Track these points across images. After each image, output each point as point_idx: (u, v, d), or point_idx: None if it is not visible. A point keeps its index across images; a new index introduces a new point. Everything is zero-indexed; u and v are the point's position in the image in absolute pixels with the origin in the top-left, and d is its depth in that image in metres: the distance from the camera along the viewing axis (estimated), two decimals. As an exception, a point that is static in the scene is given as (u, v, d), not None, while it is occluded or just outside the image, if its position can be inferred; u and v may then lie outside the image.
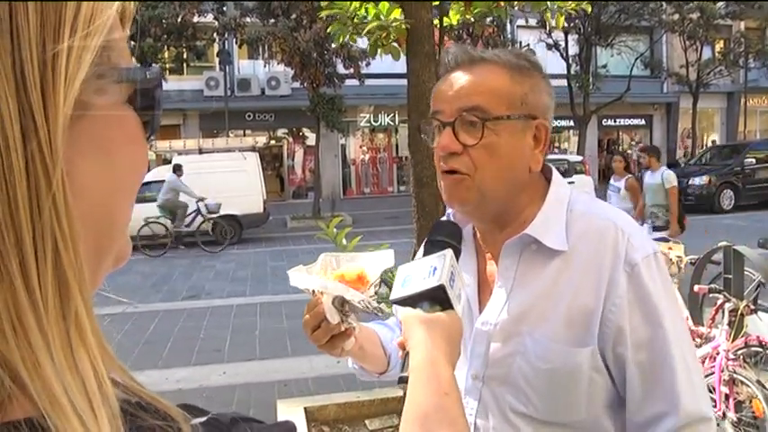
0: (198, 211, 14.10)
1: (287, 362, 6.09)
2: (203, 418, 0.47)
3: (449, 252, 0.99)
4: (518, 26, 23.84)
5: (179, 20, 18.31)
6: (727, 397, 3.77)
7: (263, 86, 23.13)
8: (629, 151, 29.08)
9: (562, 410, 1.13)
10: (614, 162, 8.53)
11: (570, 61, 22.96)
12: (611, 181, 8.42)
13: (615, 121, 27.91)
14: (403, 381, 0.89)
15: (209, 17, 18.85)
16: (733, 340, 3.95)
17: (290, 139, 25.21)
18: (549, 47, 22.40)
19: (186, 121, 23.02)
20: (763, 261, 4.71)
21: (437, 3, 3.83)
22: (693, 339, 4.07)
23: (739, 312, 4.03)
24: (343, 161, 25.11)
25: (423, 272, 0.98)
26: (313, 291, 1.15)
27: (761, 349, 3.97)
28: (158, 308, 8.51)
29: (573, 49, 23.27)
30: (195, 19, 18.74)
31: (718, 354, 3.91)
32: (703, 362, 3.94)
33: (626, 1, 21.35)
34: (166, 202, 13.67)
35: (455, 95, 1.15)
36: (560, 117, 23.55)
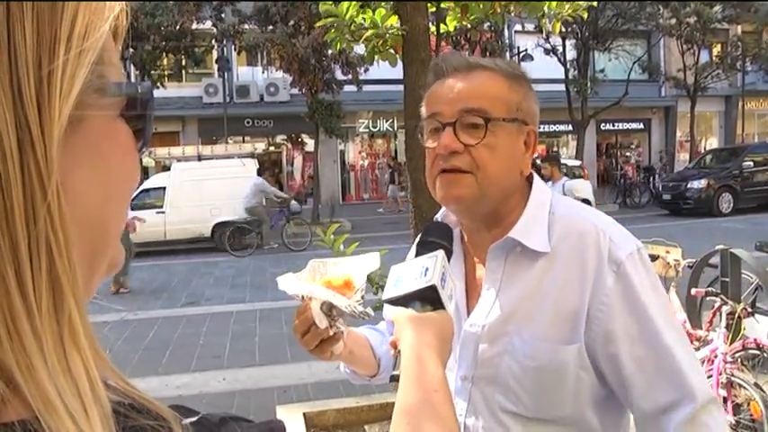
0: (282, 212, 14.55)
1: (286, 368, 6.09)
2: (194, 418, 0.48)
3: (440, 253, 1.01)
4: (515, 31, 23.92)
5: (178, 27, 18.35)
6: (725, 400, 3.78)
7: (262, 93, 23.18)
8: (627, 153, 29.15)
9: (550, 407, 1.16)
10: (543, 169, 7.83)
11: (568, 66, 23.00)
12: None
13: (613, 126, 27.95)
14: (395, 379, 0.90)
15: (208, 24, 18.91)
16: (731, 343, 3.96)
17: (289, 145, 25.24)
18: (546, 52, 22.45)
19: (185, 128, 23.06)
20: (760, 264, 4.72)
21: (433, 9, 3.85)
22: (691, 342, 4.07)
23: (737, 315, 4.03)
24: (342, 167, 25.14)
25: (414, 272, 0.99)
26: (302, 296, 1.17)
27: (758, 352, 3.97)
28: (158, 314, 8.51)
29: (571, 54, 23.32)
30: (194, 26, 18.80)
31: (715, 357, 3.92)
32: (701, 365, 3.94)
33: (624, 1, 21.35)
34: (255, 204, 14.12)
35: (456, 98, 1.17)
36: (559, 121, 23.59)
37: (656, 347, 1.11)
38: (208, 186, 14.36)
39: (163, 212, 14.14)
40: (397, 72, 4.39)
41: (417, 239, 1.09)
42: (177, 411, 0.46)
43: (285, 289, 1.18)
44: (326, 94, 18.88)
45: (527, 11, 4.35)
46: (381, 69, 5.03)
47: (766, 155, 18.61)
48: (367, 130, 25.13)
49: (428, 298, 0.96)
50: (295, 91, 20.36)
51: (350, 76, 18.47)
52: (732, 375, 3.79)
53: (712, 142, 29.13)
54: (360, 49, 4.09)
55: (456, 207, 1.23)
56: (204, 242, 14.66)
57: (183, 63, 20.91)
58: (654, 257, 4.71)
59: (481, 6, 3.99)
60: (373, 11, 3.50)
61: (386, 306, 1.46)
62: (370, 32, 3.27)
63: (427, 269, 0.98)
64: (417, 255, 1.05)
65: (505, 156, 1.18)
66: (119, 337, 7.12)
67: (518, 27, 22.68)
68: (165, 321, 8.09)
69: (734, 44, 25.32)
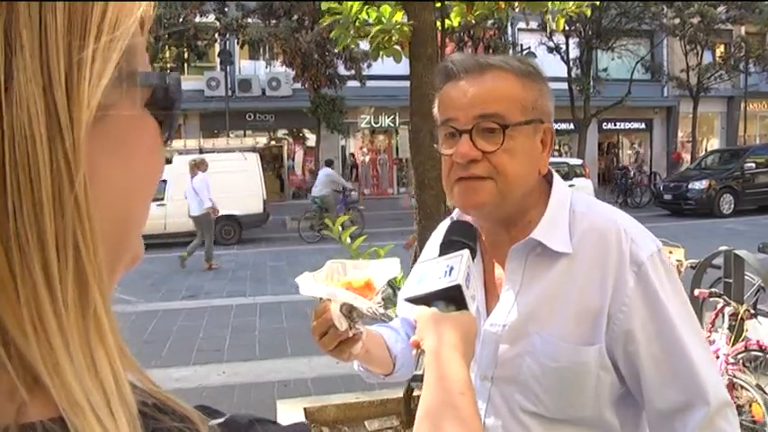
0: (344, 200, 15.28)
1: (286, 362, 6.10)
2: (221, 420, 0.47)
3: (465, 252, 1.00)
4: (519, 29, 23.86)
5: (181, 20, 18.32)
6: (726, 401, 3.77)
7: (264, 87, 23.14)
8: (628, 151, 29.12)
9: (571, 408, 1.16)
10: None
11: (571, 64, 22.98)
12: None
13: (615, 125, 27.93)
14: (417, 379, 0.90)
15: (211, 17, 18.89)
16: (733, 344, 3.96)
17: (291, 140, 25.22)
18: (549, 50, 22.43)
19: (187, 121, 23.03)
20: (763, 266, 4.71)
21: (439, 5, 3.84)
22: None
23: (739, 317, 4.03)
24: (344, 162, 25.13)
25: (439, 271, 0.98)
26: (320, 297, 1.16)
27: (761, 354, 3.97)
28: (158, 307, 8.51)
29: (574, 53, 23.29)
30: (197, 19, 18.77)
31: (717, 358, 3.92)
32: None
33: (626, 0, 21.32)
34: (326, 193, 14.88)
35: (470, 103, 1.15)
36: (560, 120, 23.57)
37: (674, 348, 1.11)
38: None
39: (164, 205, 14.11)
40: (400, 68, 4.37)
41: (442, 238, 1.08)
42: (203, 412, 0.45)
43: (305, 291, 1.16)
44: (329, 90, 18.86)
45: (530, 7, 4.34)
46: (384, 65, 5.03)
47: (768, 156, 18.62)
48: (369, 126, 25.11)
49: (452, 298, 0.96)
50: (297, 86, 20.36)
51: (353, 72, 18.45)
52: (734, 377, 3.79)
53: (714, 143, 29.11)
54: (364, 44, 4.08)
55: (476, 213, 1.21)
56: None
57: (186, 56, 20.89)
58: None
59: (486, 3, 3.98)
60: (378, 7, 3.49)
61: (402, 303, 1.45)
62: (375, 29, 3.26)
63: (452, 268, 0.97)
64: (441, 254, 1.03)
65: (524, 158, 1.16)
66: (118, 329, 7.11)
67: (521, 25, 22.59)
68: (164, 314, 8.09)
69: (737, 45, 25.29)
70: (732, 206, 17.78)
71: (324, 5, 3.34)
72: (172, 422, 0.42)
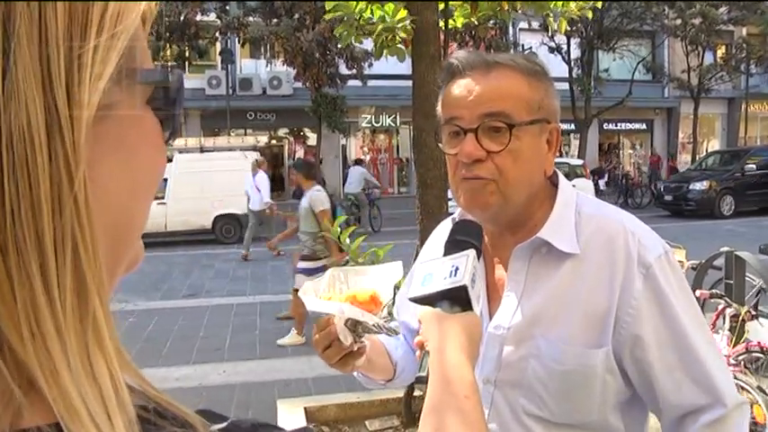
0: (369, 198, 15.85)
1: (287, 361, 6.10)
2: (223, 425, 0.46)
3: (471, 252, 0.98)
4: (520, 29, 23.86)
5: (182, 18, 18.31)
6: (727, 402, 3.77)
7: (265, 86, 23.14)
8: (630, 151, 29.09)
9: (576, 412, 1.14)
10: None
11: (572, 65, 22.97)
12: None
13: (616, 126, 27.93)
14: (421, 381, 0.88)
15: (212, 16, 18.88)
16: (734, 346, 3.96)
17: (291, 139, 25.21)
18: (551, 50, 22.42)
19: (188, 120, 23.02)
20: (764, 267, 4.71)
21: (442, 5, 3.84)
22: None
23: (740, 318, 4.03)
24: (344, 162, 25.12)
25: (444, 271, 0.97)
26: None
27: (762, 355, 3.97)
28: (158, 306, 8.51)
29: (575, 53, 23.29)
30: (198, 17, 18.76)
31: (718, 359, 3.91)
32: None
33: (628, 0, 21.29)
34: (360, 191, 15.61)
35: (476, 101, 1.13)
36: (561, 120, 22.92)
37: (686, 351, 1.10)
38: (209, 178, 14.34)
39: (164, 203, 14.10)
40: (401, 67, 4.37)
41: (447, 237, 1.06)
42: (204, 416, 0.44)
43: (312, 308, 1.15)
44: (330, 89, 18.85)
45: (534, 9, 4.33)
46: (385, 64, 5.02)
47: (768, 158, 18.60)
48: (369, 126, 25.10)
49: (457, 298, 0.94)
50: (298, 85, 20.36)
51: (354, 71, 18.44)
52: (735, 378, 3.79)
53: (714, 144, 29.11)
54: (366, 43, 4.07)
55: (481, 215, 1.18)
56: (205, 234, 14.64)
57: (187, 54, 20.86)
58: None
59: (490, 4, 3.98)
60: (382, 5, 3.48)
61: (401, 306, 1.43)
62: (380, 27, 3.25)
63: (457, 268, 0.95)
64: (446, 253, 1.01)
65: (529, 159, 1.14)
66: (118, 328, 7.04)
67: (523, 25, 22.60)
68: (165, 313, 8.09)
69: (739, 46, 25.29)
70: (732, 207, 17.77)
71: (328, 5, 3.34)
72: (172, 427, 0.41)
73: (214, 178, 14.35)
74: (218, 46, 21.67)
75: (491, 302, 1.23)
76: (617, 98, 22.40)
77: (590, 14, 4.36)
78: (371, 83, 20.07)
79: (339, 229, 4.12)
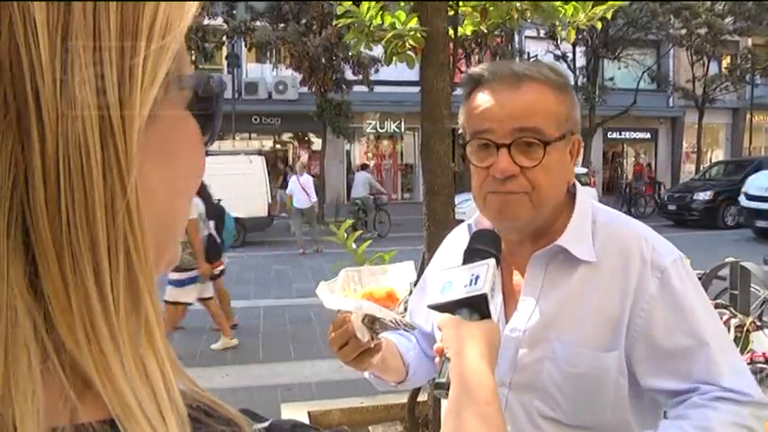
0: (375, 203, 16.27)
1: (290, 366, 6.09)
2: (265, 424, 0.48)
3: (492, 262, 1.00)
4: (526, 37, 23.88)
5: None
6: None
7: (271, 90, 23.18)
8: (634, 157, 29.03)
9: (590, 414, 1.16)
10: None
11: (577, 73, 22.98)
12: None
13: (620, 134, 27.90)
14: (439, 387, 0.89)
15: (219, 20, 18.91)
16: (738, 356, 3.95)
17: (296, 144, 25.23)
18: (556, 58, 22.42)
19: (193, 123, 23.03)
20: (769, 278, 4.71)
21: (452, 13, 3.85)
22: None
23: (745, 328, 4.03)
24: (348, 167, 25.13)
25: (464, 279, 0.99)
26: (338, 309, 1.16)
27: (766, 366, 3.96)
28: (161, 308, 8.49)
29: (580, 61, 23.29)
30: (205, 21, 18.80)
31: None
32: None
33: (633, 0, 21.21)
34: (366, 195, 16.00)
35: (508, 115, 1.14)
36: (566, 128, 23.49)
37: (699, 345, 1.11)
38: (213, 182, 14.32)
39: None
40: (407, 74, 4.38)
41: (467, 246, 1.08)
42: (247, 416, 0.46)
43: (330, 305, 1.15)
44: (335, 94, 18.87)
45: (543, 17, 4.35)
46: (391, 71, 5.03)
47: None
48: (374, 131, 25.12)
49: (477, 306, 0.96)
50: (303, 89, 20.36)
51: (360, 77, 18.46)
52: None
53: (718, 154, 29.04)
54: (374, 50, 4.09)
55: (511, 225, 1.21)
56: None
57: (193, 58, 20.91)
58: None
59: (499, 12, 3.99)
60: (393, 12, 3.50)
61: (414, 310, 1.45)
62: (390, 34, 3.27)
63: (478, 277, 0.98)
64: (465, 262, 1.04)
65: (558, 172, 1.17)
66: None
67: (528, 32, 22.63)
68: (168, 315, 8.09)
69: (744, 56, 25.26)
70: (736, 218, 17.73)
71: (340, 9, 3.35)
72: (220, 426, 0.43)
73: (218, 182, 14.32)
74: (225, 50, 21.73)
75: (507, 306, 1.25)
76: (621, 107, 22.39)
77: (599, 25, 4.37)
78: (377, 89, 20.09)
79: (345, 234, 4.13)
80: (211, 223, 6.70)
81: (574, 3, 3.65)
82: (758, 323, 4.17)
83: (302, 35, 17.14)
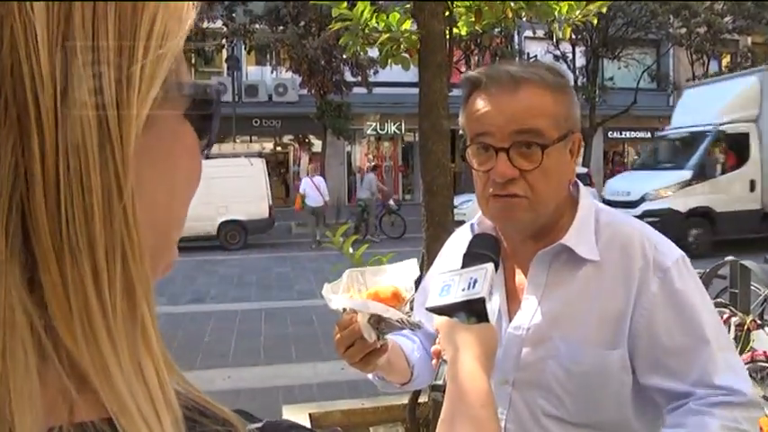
0: (383, 206, 16.50)
1: (291, 367, 6.10)
2: (259, 424, 0.49)
3: (490, 266, 1.01)
4: (525, 37, 23.88)
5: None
6: (732, 411, 3.76)
7: (271, 93, 23.21)
8: (635, 157, 28.98)
9: (593, 412, 1.17)
10: None
11: (577, 73, 22.98)
12: None
13: (621, 134, 27.87)
14: (436, 389, 0.90)
15: (219, 23, 18.95)
16: (739, 355, 3.95)
17: (297, 146, 25.26)
18: (556, 58, 22.41)
19: (193, 126, 23.07)
20: (769, 276, 4.71)
21: (448, 13, 3.85)
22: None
23: (746, 327, 4.03)
24: (349, 169, 25.14)
25: (462, 283, 1.00)
26: (344, 309, 1.16)
27: (767, 365, 3.96)
28: (162, 311, 8.51)
29: (580, 61, 23.29)
30: (204, 24, 18.83)
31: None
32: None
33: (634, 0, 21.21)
34: (369, 196, 16.28)
35: (507, 119, 1.14)
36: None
37: (697, 338, 1.12)
38: (215, 185, 14.37)
39: (169, 210, 14.15)
40: (406, 75, 4.38)
41: (465, 250, 1.08)
42: (241, 416, 0.46)
43: (336, 305, 1.15)
44: (335, 96, 18.90)
45: (538, 16, 4.35)
46: (390, 72, 5.04)
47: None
48: (374, 133, 25.13)
49: (475, 310, 0.97)
50: (303, 92, 20.40)
51: (359, 78, 18.48)
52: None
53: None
54: (373, 52, 4.09)
55: (512, 227, 1.23)
56: (210, 240, 14.67)
57: (193, 61, 20.94)
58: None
59: (493, 11, 3.99)
60: (387, 15, 3.49)
61: (417, 311, 1.45)
62: (384, 36, 3.27)
63: (476, 281, 0.98)
64: (464, 265, 1.04)
65: (558, 174, 1.18)
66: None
67: (528, 33, 22.63)
68: (168, 318, 8.09)
69: (744, 55, 25.24)
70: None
71: (335, 11, 3.35)
72: (214, 426, 0.43)
73: (219, 185, 14.38)
74: (225, 53, 21.76)
75: (511, 305, 1.26)
76: (622, 107, 22.39)
77: (595, 21, 4.37)
78: (376, 90, 20.11)
79: (342, 239, 4.12)
80: None
81: (567, 1, 3.65)
82: (759, 322, 4.17)
83: (301, 37, 17.18)
